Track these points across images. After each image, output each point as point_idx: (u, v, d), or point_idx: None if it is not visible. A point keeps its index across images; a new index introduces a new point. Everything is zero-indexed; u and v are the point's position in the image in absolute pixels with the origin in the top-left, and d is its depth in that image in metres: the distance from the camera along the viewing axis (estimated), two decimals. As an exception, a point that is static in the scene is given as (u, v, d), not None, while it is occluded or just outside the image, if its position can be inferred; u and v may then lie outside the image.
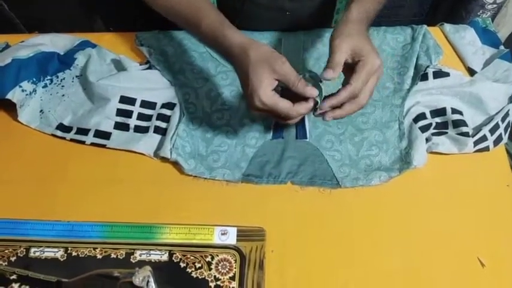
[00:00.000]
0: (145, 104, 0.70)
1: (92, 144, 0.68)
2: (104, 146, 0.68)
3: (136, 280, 0.50)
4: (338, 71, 0.54)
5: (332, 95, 0.55)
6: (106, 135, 0.69)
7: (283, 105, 0.53)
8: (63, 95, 0.72)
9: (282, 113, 0.54)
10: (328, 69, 0.54)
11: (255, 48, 0.54)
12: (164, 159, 0.67)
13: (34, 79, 0.72)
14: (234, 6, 0.74)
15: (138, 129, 0.69)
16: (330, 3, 0.75)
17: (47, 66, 0.73)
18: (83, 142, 0.69)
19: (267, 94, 0.53)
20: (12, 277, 0.54)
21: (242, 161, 0.67)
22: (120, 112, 0.69)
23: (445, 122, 0.68)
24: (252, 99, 0.53)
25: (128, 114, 0.69)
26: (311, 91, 0.53)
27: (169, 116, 0.69)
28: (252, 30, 0.77)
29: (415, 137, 0.66)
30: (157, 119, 0.69)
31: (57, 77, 0.74)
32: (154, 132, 0.68)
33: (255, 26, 0.77)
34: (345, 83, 0.56)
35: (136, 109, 0.70)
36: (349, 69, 0.55)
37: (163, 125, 0.69)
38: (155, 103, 0.71)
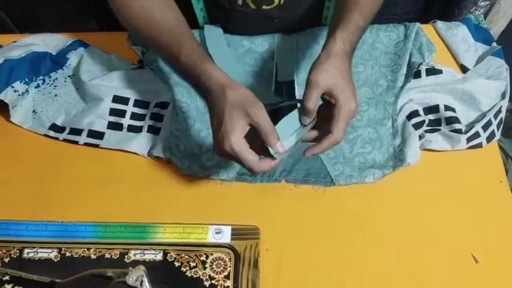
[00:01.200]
0: (138, 103, 0.70)
1: (85, 144, 0.68)
2: (97, 146, 0.68)
3: (130, 280, 0.50)
4: (314, 110, 0.52)
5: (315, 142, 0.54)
6: (99, 135, 0.68)
7: (251, 158, 0.50)
8: (55, 95, 0.72)
9: (245, 165, 0.51)
10: (304, 117, 0.52)
11: (233, 89, 0.52)
12: (158, 159, 0.67)
13: (26, 79, 0.72)
14: (222, 16, 0.74)
15: (132, 128, 0.69)
16: (317, 10, 0.76)
17: (39, 67, 0.73)
18: (76, 142, 0.68)
19: (238, 141, 0.50)
20: (5, 278, 0.54)
21: (236, 160, 0.67)
22: (113, 112, 0.69)
23: (438, 119, 0.68)
24: (222, 143, 0.50)
25: (121, 113, 0.69)
26: (279, 148, 0.50)
27: (163, 116, 0.69)
28: (243, 35, 0.77)
29: (408, 134, 0.67)
30: (150, 118, 0.69)
31: (50, 77, 0.74)
32: (147, 131, 0.68)
33: (244, 32, 0.77)
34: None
35: (129, 108, 0.70)
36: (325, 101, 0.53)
37: (156, 124, 0.69)
38: (148, 102, 0.71)
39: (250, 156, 0.50)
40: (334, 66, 0.52)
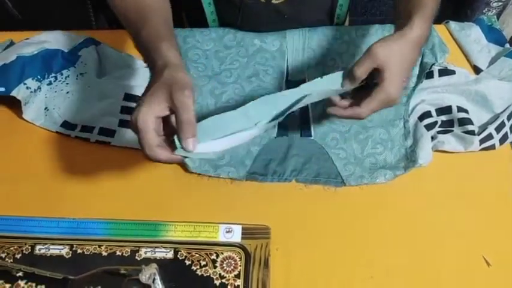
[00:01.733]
0: (149, 101, 0.70)
1: (97, 141, 0.68)
2: (108, 143, 0.68)
3: (143, 277, 0.50)
4: (359, 78, 0.51)
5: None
6: (111, 133, 0.69)
7: (150, 140, 0.46)
8: (67, 92, 0.72)
9: (142, 144, 0.47)
10: (346, 81, 0.52)
11: (172, 69, 0.48)
12: (169, 157, 0.67)
13: (39, 76, 0.72)
14: (231, 11, 0.74)
15: (143, 126, 0.69)
16: (329, 8, 0.75)
17: (51, 64, 0.73)
18: (87, 139, 0.69)
19: (146, 116, 0.45)
20: (18, 274, 0.54)
21: (247, 159, 0.67)
22: (124, 109, 0.69)
23: (450, 120, 0.68)
24: (132, 113, 0.47)
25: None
26: (189, 145, 0.46)
27: (174, 114, 0.69)
28: (254, 31, 0.77)
29: (420, 135, 0.66)
30: (161, 116, 0.69)
31: (62, 74, 0.74)
32: (159, 129, 0.68)
33: (255, 28, 0.77)
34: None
35: (140, 107, 0.70)
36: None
37: (167, 122, 0.69)
38: (160, 101, 0.71)
39: (151, 136, 0.46)
40: (400, 50, 0.51)
